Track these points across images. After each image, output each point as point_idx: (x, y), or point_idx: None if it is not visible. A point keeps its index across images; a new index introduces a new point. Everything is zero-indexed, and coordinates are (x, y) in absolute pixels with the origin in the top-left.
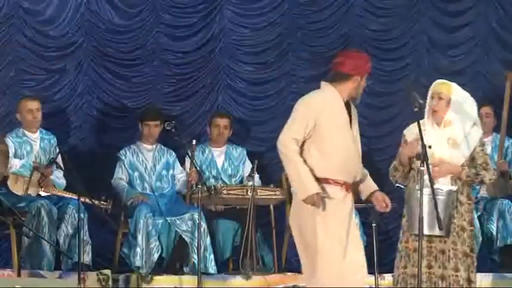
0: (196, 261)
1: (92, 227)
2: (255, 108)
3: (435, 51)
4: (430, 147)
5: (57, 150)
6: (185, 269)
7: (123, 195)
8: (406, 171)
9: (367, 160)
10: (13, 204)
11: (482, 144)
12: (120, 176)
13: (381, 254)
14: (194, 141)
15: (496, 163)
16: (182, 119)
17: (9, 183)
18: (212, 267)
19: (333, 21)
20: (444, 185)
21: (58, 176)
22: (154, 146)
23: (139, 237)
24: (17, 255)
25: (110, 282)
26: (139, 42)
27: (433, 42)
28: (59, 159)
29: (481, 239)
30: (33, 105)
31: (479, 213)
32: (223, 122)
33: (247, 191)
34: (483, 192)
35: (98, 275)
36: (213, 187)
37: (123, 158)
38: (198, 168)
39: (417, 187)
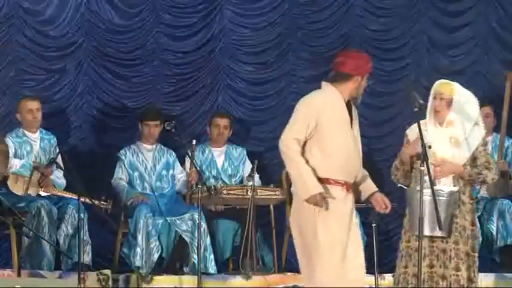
0: (196, 261)
1: (92, 227)
2: (255, 108)
3: (435, 51)
4: (430, 147)
5: (57, 150)
6: (185, 269)
7: (123, 195)
8: (406, 170)
9: (367, 160)
10: (13, 204)
11: (484, 143)
12: (120, 176)
13: (381, 254)
14: (194, 141)
15: (496, 163)
16: (182, 119)
17: (9, 183)
18: (212, 267)
19: (333, 21)
20: (446, 185)
21: (58, 176)
22: (154, 146)
23: (139, 237)
24: (17, 255)
25: (110, 282)
26: (139, 42)
27: (433, 42)
28: (59, 159)
29: (481, 239)
30: (33, 105)
31: (479, 213)
32: (223, 122)
33: (247, 191)
34: (483, 192)
35: (98, 275)
36: (213, 187)
37: (123, 158)
38: (198, 168)
39: (418, 187)
